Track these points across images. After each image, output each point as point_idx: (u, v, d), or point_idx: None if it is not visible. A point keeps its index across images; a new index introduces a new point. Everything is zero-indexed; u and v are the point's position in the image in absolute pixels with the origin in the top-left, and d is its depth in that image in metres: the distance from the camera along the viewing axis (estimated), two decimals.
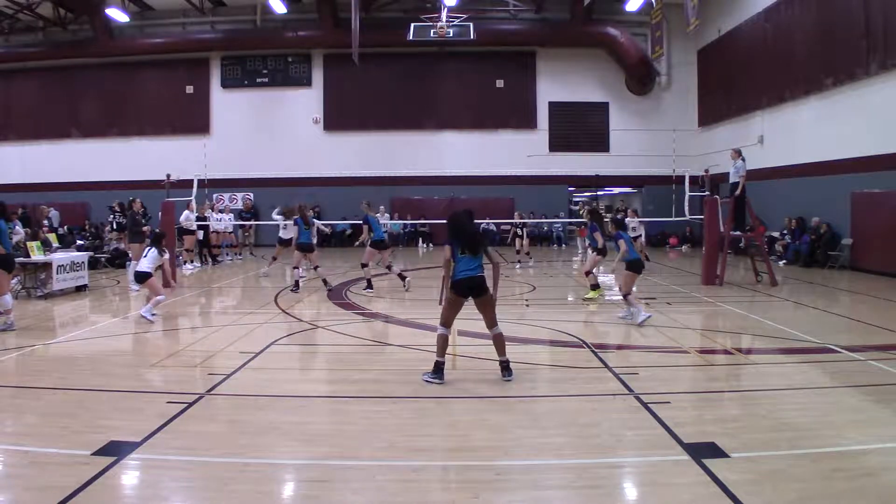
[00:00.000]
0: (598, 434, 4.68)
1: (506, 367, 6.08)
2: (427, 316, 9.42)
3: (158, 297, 9.60)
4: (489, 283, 6.12)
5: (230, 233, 19.89)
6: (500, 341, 6.11)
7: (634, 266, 9.07)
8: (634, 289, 9.52)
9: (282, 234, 15.84)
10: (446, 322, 6.09)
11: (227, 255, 19.42)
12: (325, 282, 12.37)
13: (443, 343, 6.03)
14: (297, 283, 12.33)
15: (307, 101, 24.83)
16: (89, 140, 24.93)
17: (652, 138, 23.39)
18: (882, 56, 14.05)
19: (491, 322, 6.13)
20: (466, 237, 6.08)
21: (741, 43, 20.38)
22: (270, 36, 24.28)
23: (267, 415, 5.17)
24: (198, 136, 23.29)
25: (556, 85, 24.76)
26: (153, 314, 9.42)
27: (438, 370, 5.97)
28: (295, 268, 12.51)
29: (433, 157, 23.58)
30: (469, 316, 9.69)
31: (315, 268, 12.92)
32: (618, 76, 24.49)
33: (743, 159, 13.00)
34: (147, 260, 9.78)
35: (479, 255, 6.09)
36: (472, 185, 23.00)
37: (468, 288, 6.03)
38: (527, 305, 10.87)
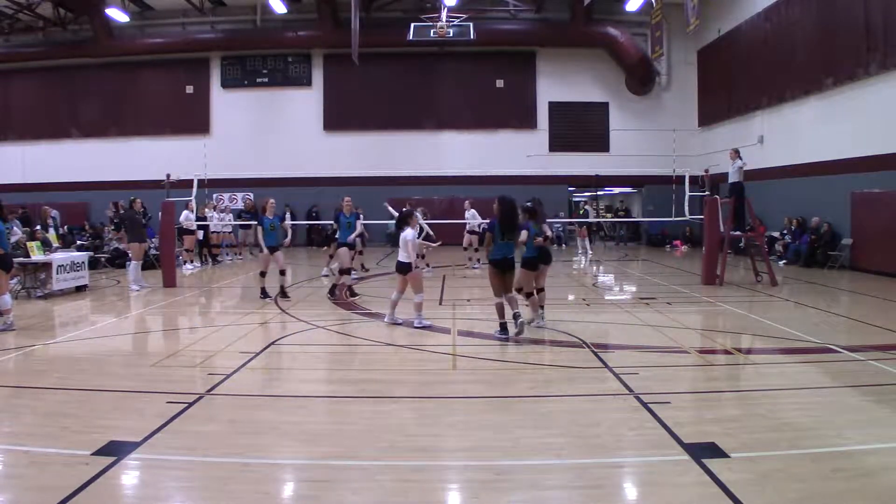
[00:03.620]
0: (598, 434, 4.68)
1: None
2: (427, 316, 9.41)
3: (420, 297, 8.55)
4: None
5: (229, 233, 19.88)
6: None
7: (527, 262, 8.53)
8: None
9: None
10: None
11: (227, 255, 19.42)
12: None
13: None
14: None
15: (307, 101, 24.83)
16: (89, 140, 24.92)
17: (652, 138, 23.38)
18: (882, 56, 14.04)
19: None
20: None
21: (741, 43, 20.37)
22: (270, 36, 24.27)
23: (267, 415, 5.17)
24: (198, 136, 23.27)
25: (556, 85, 24.75)
26: (423, 321, 8.53)
27: None
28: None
29: (433, 157, 23.58)
30: (469, 316, 9.74)
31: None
32: (618, 76, 24.49)
33: (741, 159, 13.02)
34: (403, 248, 8.48)
35: None
36: (471, 185, 22.93)
37: None
38: (527, 305, 10.85)
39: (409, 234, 8.52)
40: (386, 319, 8.90)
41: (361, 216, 13.62)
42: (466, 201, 16.87)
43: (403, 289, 8.83)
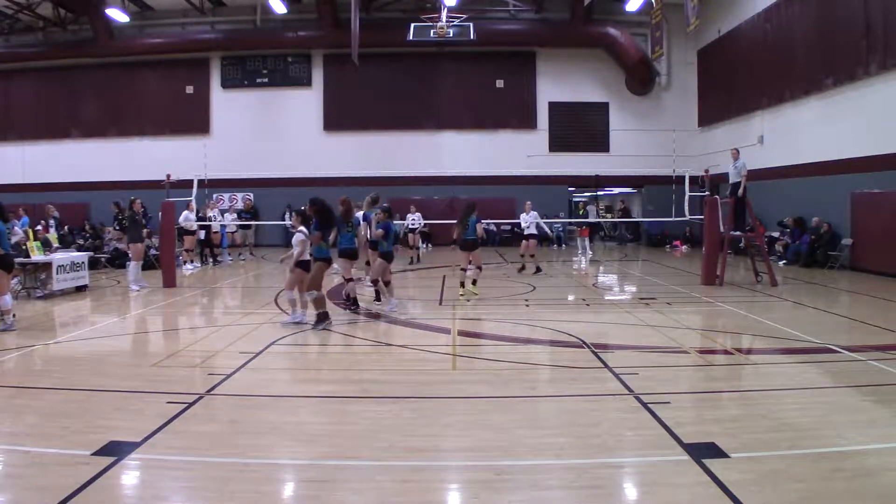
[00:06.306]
0: (598, 434, 4.68)
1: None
2: (428, 316, 9.42)
3: (311, 294, 8.76)
4: None
5: (233, 233, 19.84)
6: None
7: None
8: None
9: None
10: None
11: (228, 255, 19.38)
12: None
13: None
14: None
15: (307, 101, 24.83)
16: (89, 140, 24.91)
17: (652, 138, 23.38)
18: (882, 56, 14.04)
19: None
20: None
21: (741, 43, 20.37)
22: (270, 36, 24.28)
23: (267, 415, 5.17)
24: (198, 136, 23.27)
25: (556, 85, 24.75)
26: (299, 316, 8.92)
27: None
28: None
29: (433, 157, 23.57)
30: (469, 316, 9.74)
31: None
32: (618, 76, 24.49)
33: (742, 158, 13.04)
34: (297, 246, 8.93)
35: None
36: (471, 186, 22.99)
37: None
38: (527, 305, 10.87)
39: (301, 233, 8.97)
40: (288, 320, 8.94)
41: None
42: (527, 203, 15.59)
43: (297, 286, 9.06)
